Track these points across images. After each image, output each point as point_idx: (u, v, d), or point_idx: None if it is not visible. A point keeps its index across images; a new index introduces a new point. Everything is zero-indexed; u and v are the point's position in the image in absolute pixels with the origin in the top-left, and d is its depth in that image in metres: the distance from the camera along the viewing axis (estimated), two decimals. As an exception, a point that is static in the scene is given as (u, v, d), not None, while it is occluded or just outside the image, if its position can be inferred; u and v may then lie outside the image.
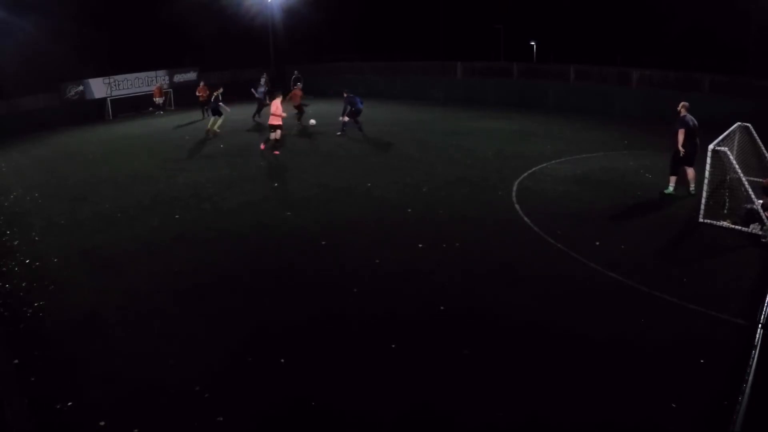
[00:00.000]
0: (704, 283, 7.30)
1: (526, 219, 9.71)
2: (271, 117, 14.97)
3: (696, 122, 10.43)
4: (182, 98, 27.48)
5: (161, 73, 27.67)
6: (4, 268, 8.44)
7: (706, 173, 9.27)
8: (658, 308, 6.65)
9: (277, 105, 14.99)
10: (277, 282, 7.69)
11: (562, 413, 4.93)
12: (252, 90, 22.21)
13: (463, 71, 27.18)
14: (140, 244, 9.24)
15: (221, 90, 19.18)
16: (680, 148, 10.24)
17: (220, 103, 18.78)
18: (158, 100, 26.01)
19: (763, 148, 11.18)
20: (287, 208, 10.69)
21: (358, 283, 7.50)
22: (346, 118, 17.29)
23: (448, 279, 7.62)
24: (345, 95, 17.48)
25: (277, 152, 15.16)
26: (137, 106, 26.28)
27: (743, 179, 8.91)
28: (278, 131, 15.09)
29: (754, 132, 11.19)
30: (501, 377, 5.46)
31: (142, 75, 26.90)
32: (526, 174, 12.59)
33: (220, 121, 18.88)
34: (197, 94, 22.98)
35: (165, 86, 27.16)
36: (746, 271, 7.66)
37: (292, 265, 8.25)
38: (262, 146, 15.42)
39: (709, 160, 9.17)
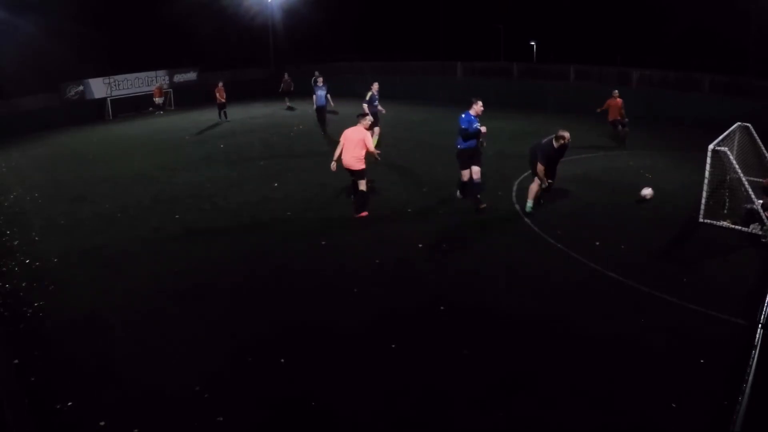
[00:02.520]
0: (704, 283, 7.29)
1: (526, 219, 9.70)
2: (356, 157, 9.66)
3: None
4: (182, 98, 27.52)
5: (161, 73, 27.69)
6: (4, 268, 8.44)
7: (706, 173, 9.27)
8: (658, 308, 6.65)
9: (368, 137, 9.85)
10: (277, 282, 7.69)
11: (562, 413, 4.93)
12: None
13: (463, 71, 27.19)
14: (140, 244, 9.24)
15: (377, 86, 14.75)
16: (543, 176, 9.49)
17: (376, 103, 14.43)
18: (158, 100, 26.02)
19: (763, 148, 11.17)
20: (287, 208, 10.68)
21: (358, 283, 7.50)
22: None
23: (449, 279, 7.62)
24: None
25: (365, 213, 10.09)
26: (137, 106, 26.30)
27: (743, 179, 8.90)
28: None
29: (754, 132, 11.19)
30: (501, 377, 5.45)
31: (142, 75, 26.93)
32: (526, 174, 12.55)
33: (376, 135, 14.28)
34: (216, 94, 21.54)
35: (165, 86, 27.17)
36: (746, 271, 7.65)
37: (292, 265, 8.25)
38: (364, 213, 10.00)
39: (709, 160, 9.16)
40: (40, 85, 23.96)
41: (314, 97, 18.05)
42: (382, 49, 33.53)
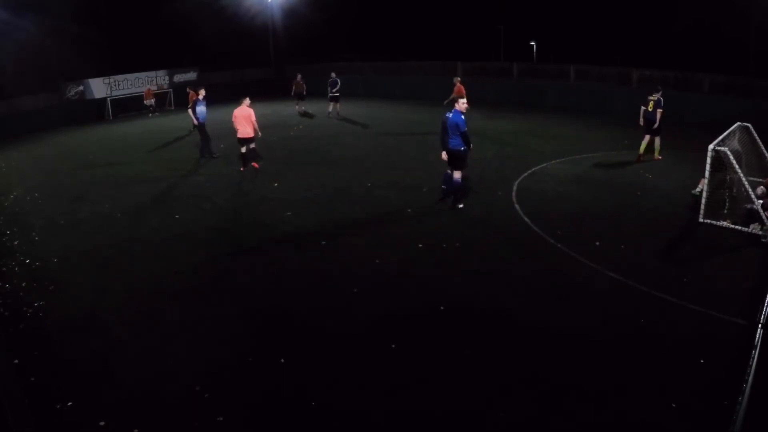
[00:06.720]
0: (704, 283, 7.29)
1: (526, 219, 9.70)
2: (249, 129, 13.13)
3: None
4: (183, 98, 27.51)
5: (161, 73, 27.70)
6: (4, 268, 8.43)
7: (706, 173, 9.27)
8: (658, 308, 6.65)
9: (252, 113, 13.25)
10: (277, 282, 7.69)
11: (562, 413, 4.93)
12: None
13: (463, 71, 27.19)
14: (140, 244, 9.24)
15: (660, 94, 12.39)
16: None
17: (660, 110, 12.49)
18: (149, 102, 26.02)
19: (763, 148, 11.17)
20: (287, 208, 10.68)
21: (358, 283, 7.49)
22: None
23: (448, 279, 7.61)
24: None
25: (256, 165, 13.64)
26: (137, 106, 26.32)
27: (743, 179, 8.90)
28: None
29: (754, 132, 11.19)
30: (502, 377, 5.45)
31: (142, 75, 26.94)
32: (526, 174, 12.58)
33: (657, 143, 13.02)
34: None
35: (164, 86, 27.17)
36: (746, 271, 7.65)
37: (292, 265, 8.24)
38: (256, 165, 13.66)
39: (709, 160, 9.16)
40: (40, 85, 24.00)
41: (196, 112, 15.06)
42: (382, 49, 33.58)
